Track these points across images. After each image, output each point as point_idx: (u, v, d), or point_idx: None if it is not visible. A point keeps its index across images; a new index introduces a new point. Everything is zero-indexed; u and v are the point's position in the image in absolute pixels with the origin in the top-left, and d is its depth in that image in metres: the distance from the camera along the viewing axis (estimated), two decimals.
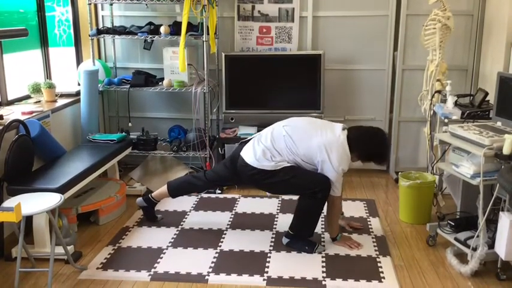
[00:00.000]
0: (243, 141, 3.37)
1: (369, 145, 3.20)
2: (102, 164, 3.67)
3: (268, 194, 4.10)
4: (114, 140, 4.04)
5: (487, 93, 3.57)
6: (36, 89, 3.98)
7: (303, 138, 3.12)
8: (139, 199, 3.67)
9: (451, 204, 3.75)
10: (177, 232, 3.52)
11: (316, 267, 3.03)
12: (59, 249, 2.93)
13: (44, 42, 4.20)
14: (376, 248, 3.28)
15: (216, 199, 4.15)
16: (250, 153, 3.19)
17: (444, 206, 3.70)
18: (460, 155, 3.01)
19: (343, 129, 3.18)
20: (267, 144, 3.16)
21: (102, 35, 4.39)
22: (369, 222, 3.69)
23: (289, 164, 3.13)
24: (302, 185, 3.12)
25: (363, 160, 3.25)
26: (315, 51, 4.51)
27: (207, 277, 2.93)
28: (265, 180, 3.17)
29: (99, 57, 4.81)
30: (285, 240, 3.31)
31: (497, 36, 4.02)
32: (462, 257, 3.04)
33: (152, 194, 3.63)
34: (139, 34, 4.30)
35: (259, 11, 4.61)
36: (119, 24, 4.65)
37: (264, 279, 2.90)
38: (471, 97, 3.75)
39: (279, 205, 4.00)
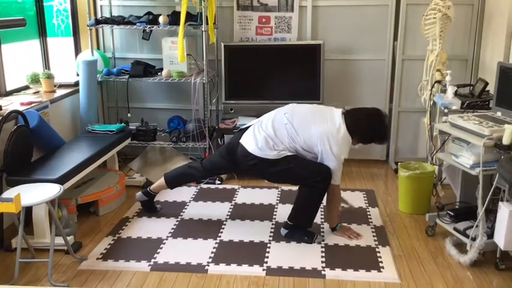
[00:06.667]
0: (241, 129, 3.35)
1: (369, 129, 3.20)
2: (101, 155, 3.66)
3: (266, 181, 4.06)
4: (114, 131, 4.03)
5: (487, 83, 3.55)
6: (35, 80, 3.96)
7: (303, 126, 3.11)
8: (139, 194, 3.66)
9: (451, 194, 3.76)
10: (177, 223, 3.53)
11: (315, 257, 3.04)
12: (59, 240, 2.94)
13: (42, 33, 4.17)
14: (376, 238, 3.29)
15: (215, 190, 4.15)
16: (251, 142, 3.16)
17: (443, 196, 3.71)
18: (460, 145, 3.01)
19: (342, 113, 3.17)
20: (269, 133, 3.14)
21: (100, 25, 4.36)
22: (368, 213, 3.69)
23: (291, 153, 3.13)
24: (304, 174, 3.12)
25: (364, 143, 3.25)
26: (314, 41, 4.50)
27: (206, 267, 2.94)
28: (267, 170, 3.16)
29: (98, 48, 4.79)
30: (283, 232, 3.30)
31: (497, 26, 4.01)
32: (461, 247, 3.05)
33: (150, 188, 3.62)
34: (138, 24, 4.28)
35: (258, 1, 4.58)
36: (118, 14, 4.62)
37: (263, 269, 2.91)
38: (471, 87, 3.73)
39: (279, 195, 4.01)
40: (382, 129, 3.24)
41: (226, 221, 3.56)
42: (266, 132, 3.15)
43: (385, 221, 3.57)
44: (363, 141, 3.22)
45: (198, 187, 4.19)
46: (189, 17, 4.23)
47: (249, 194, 4.05)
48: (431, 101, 3.88)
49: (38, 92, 3.96)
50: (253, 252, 3.10)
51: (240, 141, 3.22)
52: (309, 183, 3.13)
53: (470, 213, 3.11)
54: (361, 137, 3.19)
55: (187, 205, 3.83)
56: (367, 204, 3.85)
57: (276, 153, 3.10)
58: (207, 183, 4.24)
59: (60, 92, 4.06)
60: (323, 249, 3.14)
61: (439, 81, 3.86)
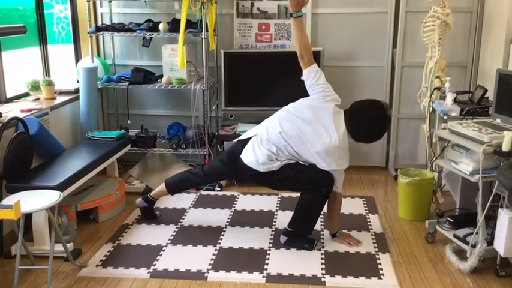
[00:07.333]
0: (239, 140, 3.32)
1: (372, 136, 3.18)
2: (101, 162, 3.67)
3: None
4: (113, 138, 4.03)
5: (486, 90, 3.56)
6: (35, 87, 3.97)
7: (301, 149, 3.10)
8: (140, 200, 3.65)
9: (450, 201, 3.75)
10: (177, 229, 3.52)
11: (315, 264, 3.03)
12: (59, 247, 2.93)
13: (42, 40, 4.18)
14: (375, 245, 3.29)
15: (215, 196, 4.15)
16: (251, 158, 3.14)
17: (443, 202, 3.71)
18: (459, 151, 3.01)
19: (335, 106, 3.15)
20: (271, 149, 3.12)
21: (100, 32, 4.38)
22: (368, 219, 3.69)
23: (293, 161, 3.14)
24: (307, 179, 3.11)
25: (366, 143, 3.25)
26: (314, 48, 4.49)
27: (206, 274, 2.93)
28: (270, 178, 3.15)
29: (98, 55, 4.80)
30: (283, 239, 3.29)
31: (496, 33, 4.02)
32: (461, 254, 3.04)
33: (151, 194, 3.61)
34: (138, 31, 4.30)
35: (258, 8, 4.60)
36: (118, 21, 4.64)
37: (263, 276, 2.90)
38: (470, 94, 3.74)
39: (278, 202, 4.00)
40: (384, 131, 3.21)
41: (226, 227, 3.56)
42: (267, 148, 3.13)
43: (385, 228, 3.57)
44: (363, 142, 3.21)
45: (198, 194, 4.18)
46: (189, 24, 4.24)
47: (249, 201, 4.04)
48: (431, 108, 3.88)
49: (38, 99, 3.97)
50: (253, 259, 3.10)
51: (241, 157, 3.19)
52: (311, 189, 3.13)
53: (470, 220, 3.11)
54: (362, 141, 3.19)
55: (187, 212, 3.83)
56: (366, 211, 3.84)
57: (278, 163, 3.11)
58: (206, 189, 4.24)
59: (60, 99, 4.07)
60: (323, 256, 3.13)
61: (438, 88, 3.87)
